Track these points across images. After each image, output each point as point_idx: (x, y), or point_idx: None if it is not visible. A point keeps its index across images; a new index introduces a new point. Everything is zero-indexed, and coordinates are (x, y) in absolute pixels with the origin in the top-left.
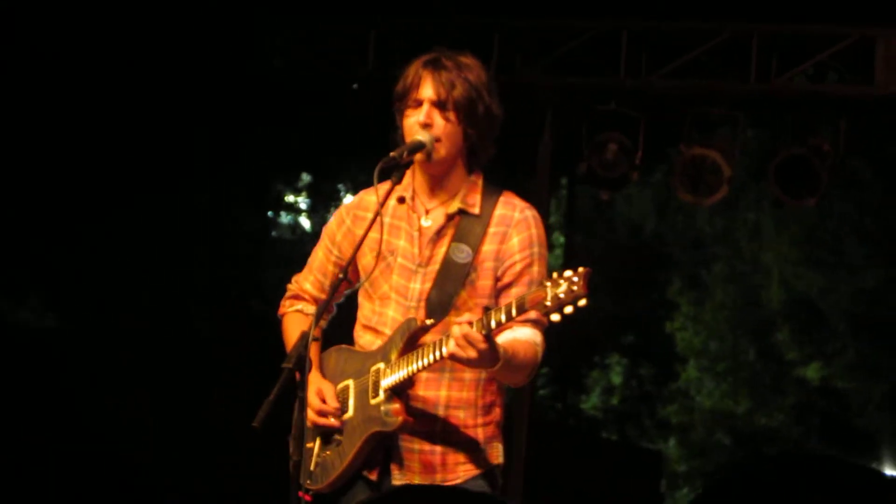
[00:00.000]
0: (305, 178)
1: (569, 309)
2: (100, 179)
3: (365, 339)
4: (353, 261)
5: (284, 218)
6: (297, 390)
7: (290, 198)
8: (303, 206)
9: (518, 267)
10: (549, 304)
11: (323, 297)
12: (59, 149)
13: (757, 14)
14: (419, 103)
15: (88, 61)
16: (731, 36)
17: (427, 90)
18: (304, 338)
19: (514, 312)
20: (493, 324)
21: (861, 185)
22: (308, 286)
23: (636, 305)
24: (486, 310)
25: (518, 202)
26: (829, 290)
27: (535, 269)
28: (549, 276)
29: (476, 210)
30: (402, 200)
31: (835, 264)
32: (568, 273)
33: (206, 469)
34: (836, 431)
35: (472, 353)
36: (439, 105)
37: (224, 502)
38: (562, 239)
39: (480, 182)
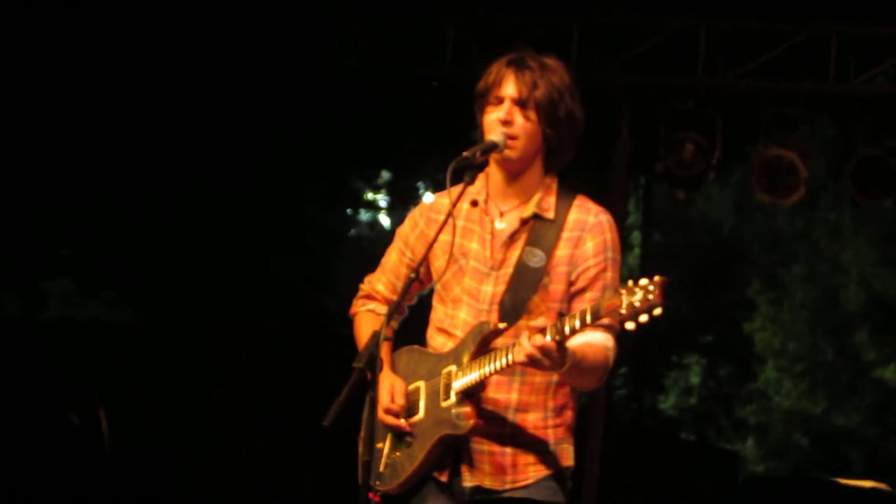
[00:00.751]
0: (385, 175)
1: (644, 318)
2: (178, 176)
3: (437, 341)
4: (424, 262)
5: (364, 215)
6: (367, 390)
7: (369, 195)
8: (382, 203)
9: (592, 272)
10: (623, 312)
11: (395, 298)
12: (130, 144)
13: (836, 14)
14: (500, 100)
15: (164, 58)
16: (810, 36)
17: (509, 88)
18: (375, 337)
19: (588, 319)
20: (566, 330)
21: None
22: (381, 287)
23: (715, 305)
24: (561, 315)
25: (592, 206)
26: None
27: (609, 274)
28: (625, 284)
29: (550, 214)
30: (475, 204)
31: None
32: (644, 281)
33: (272, 470)
34: None
35: (545, 362)
36: (520, 103)
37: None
38: (640, 238)
39: (555, 185)
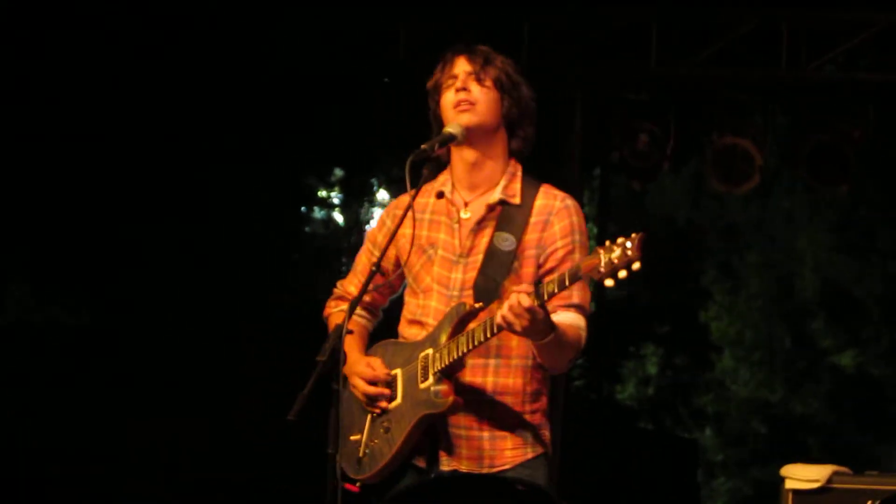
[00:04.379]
0: (338, 172)
1: (622, 273)
2: (131, 179)
3: (410, 332)
4: (384, 254)
5: (318, 213)
6: (331, 383)
7: (322, 193)
8: (335, 200)
9: (560, 253)
10: (602, 269)
11: (366, 298)
12: (89, 149)
13: (788, 1)
14: (455, 77)
15: (123, 66)
16: (762, 23)
17: (462, 65)
18: (337, 330)
19: (567, 282)
20: (545, 295)
21: (892, 171)
22: (352, 288)
23: (670, 295)
24: (538, 283)
25: (558, 192)
26: (862, 276)
27: (577, 256)
28: (602, 244)
29: (517, 200)
30: (440, 195)
31: (867, 250)
32: (621, 239)
33: (240, 467)
34: (871, 418)
35: (525, 321)
36: (475, 75)
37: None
38: (595, 230)
39: (520, 173)
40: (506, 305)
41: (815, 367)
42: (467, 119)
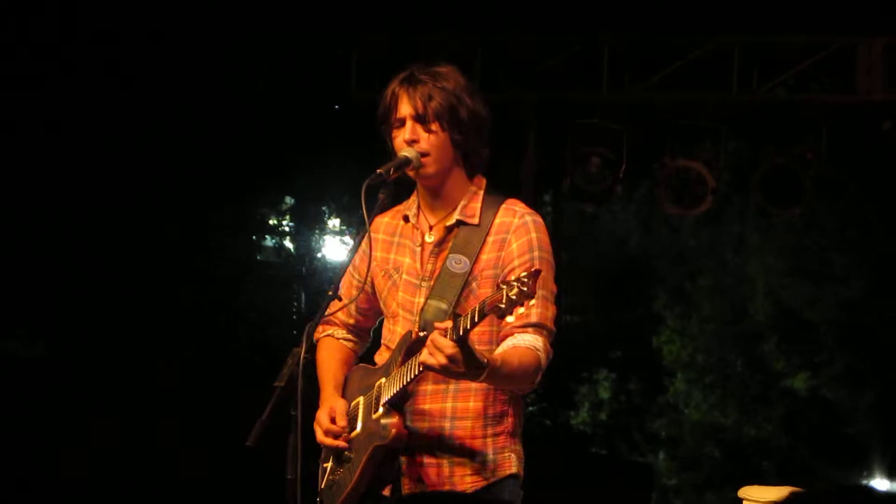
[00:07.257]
0: (289, 201)
1: (521, 310)
2: (80, 206)
3: (381, 358)
4: (367, 278)
5: (269, 241)
6: (290, 409)
7: (273, 221)
8: (287, 229)
9: (518, 272)
10: (503, 306)
11: (351, 321)
12: (42, 177)
13: (738, 25)
14: (402, 122)
15: (70, 93)
16: (713, 47)
17: (405, 108)
18: (294, 356)
19: (476, 318)
20: (461, 330)
21: (844, 195)
22: (340, 314)
23: (623, 320)
24: (456, 317)
25: (519, 208)
26: (814, 300)
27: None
28: (505, 281)
29: (475, 220)
30: (406, 219)
31: (820, 275)
32: (523, 275)
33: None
34: (825, 441)
35: (442, 359)
36: (420, 119)
37: None
38: None
39: (482, 191)
40: (424, 351)
41: (768, 391)
42: (424, 170)
